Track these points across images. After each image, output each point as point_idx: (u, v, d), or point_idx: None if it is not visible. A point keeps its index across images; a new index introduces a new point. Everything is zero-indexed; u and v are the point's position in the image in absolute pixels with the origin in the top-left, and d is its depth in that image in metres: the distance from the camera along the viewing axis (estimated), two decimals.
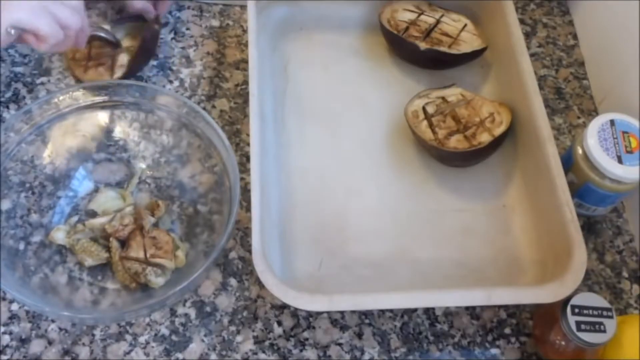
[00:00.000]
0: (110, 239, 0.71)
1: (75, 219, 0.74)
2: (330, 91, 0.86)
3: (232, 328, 0.71)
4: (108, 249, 0.71)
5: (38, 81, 0.84)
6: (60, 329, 0.69)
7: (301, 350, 0.70)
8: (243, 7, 0.93)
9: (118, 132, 0.77)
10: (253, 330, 0.71)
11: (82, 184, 0.76)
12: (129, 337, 0.70)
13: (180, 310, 0.71)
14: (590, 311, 0.65)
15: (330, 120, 0.83)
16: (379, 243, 0.75)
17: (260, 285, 0.67)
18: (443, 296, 0.67)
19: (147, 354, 0.69)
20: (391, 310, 0.73)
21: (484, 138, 0.77)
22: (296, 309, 0.71)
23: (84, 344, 0.69)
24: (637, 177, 0.71)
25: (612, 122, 0.73)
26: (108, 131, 0.77)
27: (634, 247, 0.79)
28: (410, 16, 0.87)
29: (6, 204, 0.72)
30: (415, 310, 0.73)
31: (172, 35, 0.90)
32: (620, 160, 0.71)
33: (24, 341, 0.69)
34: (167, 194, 0.76)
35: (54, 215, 0.73)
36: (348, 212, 0.77)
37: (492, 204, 0.79)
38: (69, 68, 0.84)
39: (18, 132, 0.73)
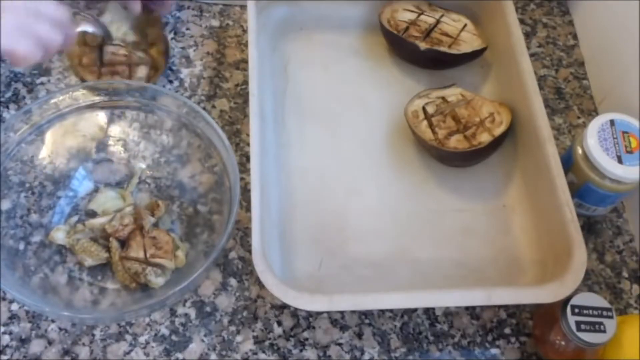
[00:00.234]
0: (110, 239, 0.71)
1: (75, 219, 0.74)
2: (330, 91, 0.86)
3: (232, 328, 0.71)
4: (108, 249, 0.71)
5: (38, 81, 0.84)
6: (60, 329, 0.69)
7: (301, 350, 0.70)
8: (243, 7, 0.93)
9: (118, 132, 0.77)
10: (253, 330, 0.71)
11: (82, 184, 0.76)
12: (129, 337, 0.70)
13: (180, 310, 0.71)
14: (590, 311, 0.65)
15: (330, 120, 0.83)
16: (379, 243, 0.75)
17: (260, 285, 0.67)
18: (443, 296, 0.67)
19: (147, 354, 0.69)
20: (391, 310, 0.73)
21: (484, 138, 0.77)
22: (296, 309, 0.71)
23: (84, 344, 0.69)
24: (637, 177, 0.71)
25: (612, 122, 0.73)
26: (108, 131, 0.77)
27: (634, 247, 0.79)
28: (410, 16, 0.87)
29: (6, 204, 0.72)
30: (415, 310, 0.73)
31: (172, 35, 0.90)
32: (620, 160, 0.71)
33: (24, 341, 0.69)
34: (167, 194, 0.76)
35: (54, 215, 0.73)
36: (348, 212, 0.77)
37: (492, 204, 0.79)
38: (77, 74, 0.83)
39: (18, 132, 0.73)
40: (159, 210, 0.73)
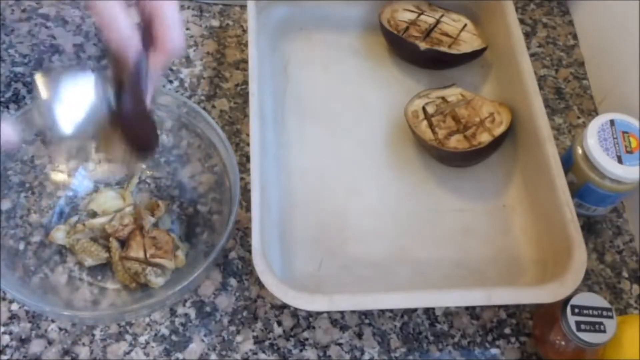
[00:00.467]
0: (110, 239, 0.71)
1: (75, 219, 0.74)
2: (330, 91, 0.86)
3: (232, 328, 0.71)
4: (108, 249, 0.71)
5: None
6: (60, 329, 0.69)
7: (301, 350, 0.70)
8: (243, 7, 0.93)
9: None
10: (253, 330, 0.71)
11: (82, 184, 0.76)
12: (129, 337, 0.70)
13: (180, 310, 0.71)
14: (590, 311, 0.65)
15: (330, 120, 0.83)
16: (379, 243, 0.75)
17: (260, 285, 0.67)
18: (443, 296, 0.67)
19: (147, 354, 0.69)
20: (391, 310, 0.73)
21: (484, 138, 0.77)
22: (296, 309, 0.71)
23: (84, 344, 0.69)
24: (637, 177, 0.71)
25: (612, 122, 0.73)
26: None
27: (634, 247, 0.79)
28: (410, 16, 0.87)
29: (6, 204, 0.72)
30: (415, 310, 0.73)
31: None
32: (620, 160, 0.71)
33: (24, 341, 0.69)
34: (167, 194, 0.76)
35: (54, 215, 0.73)
36: (348, 212, 0.77)
37: (492, 204, 0.79)
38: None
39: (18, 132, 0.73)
40: (159, 210, 0.73)
